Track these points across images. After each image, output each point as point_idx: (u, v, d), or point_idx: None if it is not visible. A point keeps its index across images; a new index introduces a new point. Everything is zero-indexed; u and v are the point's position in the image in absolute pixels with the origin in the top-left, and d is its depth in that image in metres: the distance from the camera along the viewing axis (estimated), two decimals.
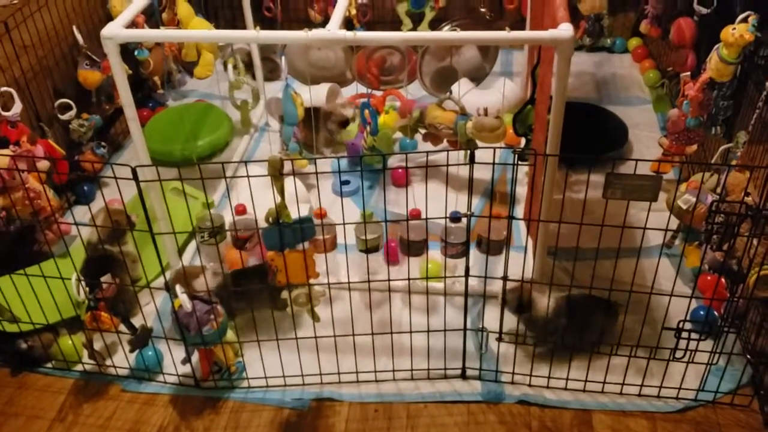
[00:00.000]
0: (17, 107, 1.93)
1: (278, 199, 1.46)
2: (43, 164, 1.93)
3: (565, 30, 1.45)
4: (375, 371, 1.67)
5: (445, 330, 1.61)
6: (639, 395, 1.61)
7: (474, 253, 1.96)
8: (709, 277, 1.78)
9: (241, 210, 1.88)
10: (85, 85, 2.27)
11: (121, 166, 1.40)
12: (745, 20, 1.75)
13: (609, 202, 1.38)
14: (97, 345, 1.72)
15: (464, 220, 1.72)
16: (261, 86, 2.68)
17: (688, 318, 1.49)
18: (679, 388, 1.59)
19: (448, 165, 1.41)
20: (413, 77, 2.60)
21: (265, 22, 2.86)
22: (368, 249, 1.82)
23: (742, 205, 1.41)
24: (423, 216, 1.51)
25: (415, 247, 1.84)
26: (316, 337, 1.59)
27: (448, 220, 1.72)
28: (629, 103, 2.67)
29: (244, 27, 2.51)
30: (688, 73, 2.01)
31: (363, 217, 1.79)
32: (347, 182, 2.28)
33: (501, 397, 1.63)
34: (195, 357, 1.65)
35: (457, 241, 1.79)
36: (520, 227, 2.08)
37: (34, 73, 2.13)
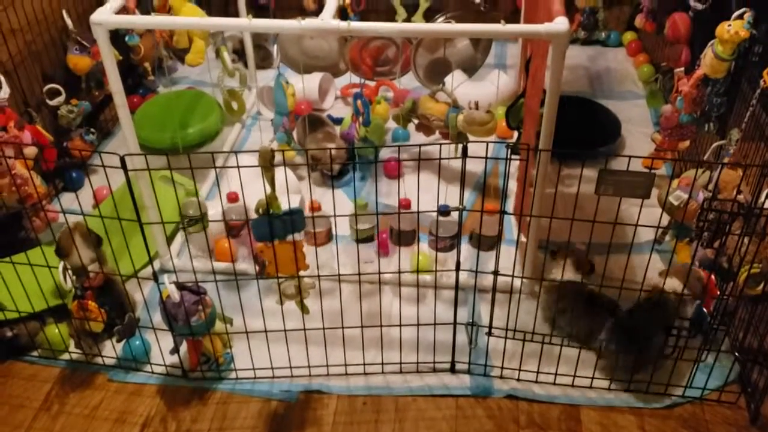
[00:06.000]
0: (5, 92, 1.89)
1: (268, 189, 1.45)
2: (31, 150, 1.90)
3: (560, 24, 1.44)
4: (364, 364, 1.67)
5: (435, 324, 1.61)
6: (627, 391, 1.62)
7: (466, 246, 1.95)
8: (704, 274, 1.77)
9: (233, 198, 1.86)
10: (74, 70, 2.24)
11: (109, 154, 1.38)
12: (740, 17, 1.74)
13: (600, 197, 1.37)
14: (83, 334, 1.70)
15: (454, 213, 1.71)
16: (253, 74, 2.66)
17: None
18: (667, 385, 1.59)
19: (440, 159, 1.40)
20: (407, 68, 2.59)
21: (258, 9, 2.83)
22: (363, 239, 1.81)
23: (734, 204, 1.41)
24: (413, 205, 1.50)
25: (406, 237, 1.83)
26: (305, 329, 1.58)
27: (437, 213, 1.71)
28: (623, 98, 2.66)
29: (236, 14, 2.49)
30: (682, 68, 2.00)
31: (356, 206, 1.78)
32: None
33: (490, 392, 1.63)
34: (183, 347, 1.64)
35: (446, 235, 1.79)
36: (511, 222, 2.08)
37: (22, 58, 2.10)
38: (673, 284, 1.53)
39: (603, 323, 1.61)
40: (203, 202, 1.87)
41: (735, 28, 1.73)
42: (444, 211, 1.72)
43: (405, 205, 1.76)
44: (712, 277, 1.59)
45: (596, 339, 1.61)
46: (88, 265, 1.63)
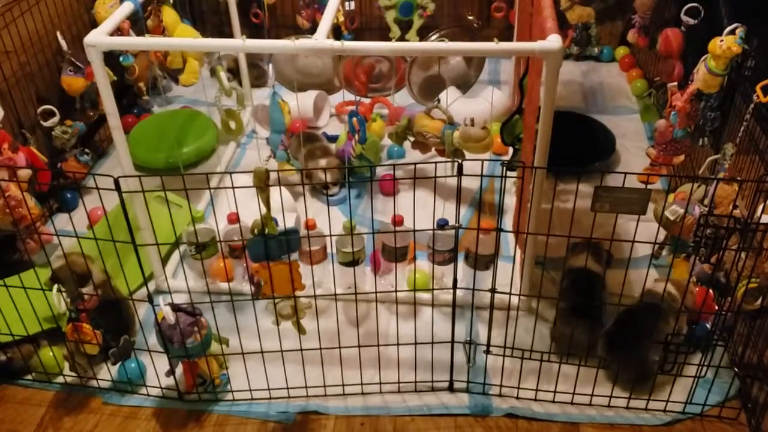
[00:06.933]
0: None
1: (264, 210, 1.44)
2: (25, 173, 1.89)
3: (554, 42, 1.45)
4: (361, 384, 1.65)
5: (432, 342, 1.60)
6: (627, 408, 1.61)
7: (462, 264, 1.95)
8: (697, 290, 1.77)
9: (233, 219, 1.85)
10: (68, 91, 2.24)
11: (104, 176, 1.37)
12: (732, 32, 1.75)
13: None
14: (78, 357, 1.69)
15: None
16: (248, 93, 2.66)
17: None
18: (667, 401, 1.58)
19: (436, 177, 1.40)
20: (401, 85, 2.59)
21: (252, 27, 2.84)
22: (350, 262, 1.79)
23: (731, 219, 1.41)
24: (408, 221, 1.49)
25: (399, 253, 1.82)
26: (302, 350, 1.57)
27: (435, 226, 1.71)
28: (617, 113, 2.67)
29: (231, 32, 2.49)
30: (676, 83, 2.01)
31: (349, 228, 1.77)
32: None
33: (488, 410, 1.62)
34: (179, 369, 1.62)
35: (444, 248, 1.78)
36: (508, 238, 2.07)
37: (16, 79, 2.10)
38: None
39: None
40: (211, 227, 1.86)
41: (727, 43, 1.74)
42: (442, 225, 1.71)
43: (398, 221, 1.75)
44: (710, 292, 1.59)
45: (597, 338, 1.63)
46: (99, 280, 1.62)
